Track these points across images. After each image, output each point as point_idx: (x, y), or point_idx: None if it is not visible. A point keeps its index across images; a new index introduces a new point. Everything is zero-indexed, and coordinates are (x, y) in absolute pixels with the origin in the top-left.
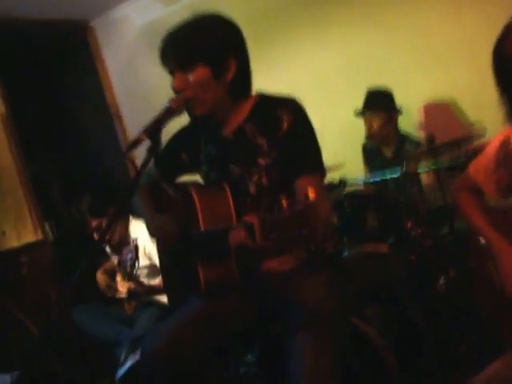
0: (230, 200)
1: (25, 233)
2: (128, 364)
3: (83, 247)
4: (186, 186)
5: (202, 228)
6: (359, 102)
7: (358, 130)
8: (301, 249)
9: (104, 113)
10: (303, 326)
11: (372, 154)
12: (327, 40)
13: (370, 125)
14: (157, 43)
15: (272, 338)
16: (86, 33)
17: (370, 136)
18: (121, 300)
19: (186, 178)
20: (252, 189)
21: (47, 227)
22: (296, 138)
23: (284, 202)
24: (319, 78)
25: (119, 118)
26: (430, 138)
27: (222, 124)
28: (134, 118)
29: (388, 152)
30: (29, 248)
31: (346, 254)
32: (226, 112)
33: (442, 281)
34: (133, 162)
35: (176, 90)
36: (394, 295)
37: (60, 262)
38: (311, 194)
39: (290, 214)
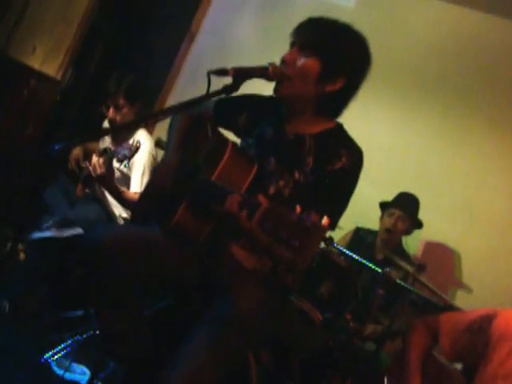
0: (250, 179)
1: (49, 64)
2: (47, 234)
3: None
4: (225, 138)
5: (213, 178)
6: (381, 189)
7: (363, 208)
8: (268, 260)
9: (182, 31)
10: (221, 320)
11: (364, 244)
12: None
13: (395, 222)
14: (266, 9)
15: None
16: None
17: (388, 231)
18: (78, 178)
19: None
20: (271, 189)
21: (69, 73)
22: (338, 182)
23: (298, 208)
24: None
25: (192, 38)
26: (420, 268)
27: (292, 121)
28: (201, 51)
29: (379, 255)
30: (43, 77)
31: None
32: (302, 114)
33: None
34: (209, 83)
35: (283, 61)
36: (294, 360)
37: (57, 107)
38: (324, 221)
39: (297, 220)
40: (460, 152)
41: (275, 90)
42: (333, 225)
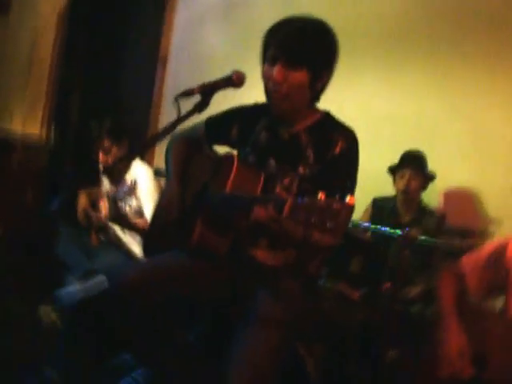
0: (261, 186)
1: (30, 125)
2: (71, 289)
3: (80, 163)
4: (229, 153)
5: (226, 191)
6: (384, 155)
7: (373, 179)
8: (292, 251)
9: (153, 53)
10: (260, 323)
11: (385, 212)
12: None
13: (408, 182)
14: (228, 16)
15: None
16: None
17: (404, 193)
18: (91, 229)
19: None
20: (279, 190)
21: (52, 132)
22: (342, 165)
23: (321, 195)
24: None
25: (164, 63)
26: (441, 219)
27: (284, 121)
28: (177, 70)
29: (406, 217)
30: (29, 147)
31: (320, 282)
32: (295, 113)
33: (392, 352)
34: (179, 109)
35: (275, 81)
36: (345, 343)
37: (51, 170)
38: (350, 200)
39: (326, 205)
40: (458, 94)
41: (274, 107)
42: None
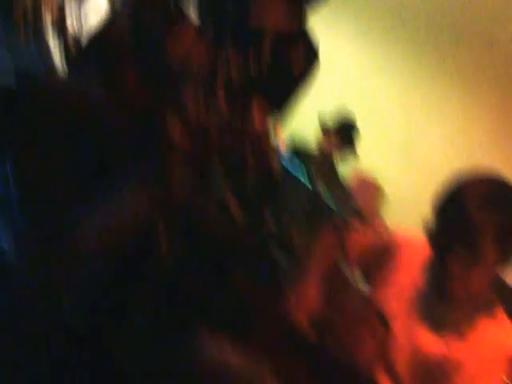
0: (208, 68)
1: None
2: None
3: None
4: (188, 16)
5: (172, 57)
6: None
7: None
8: (202, 144)
9: None
10: (135, 186)
11: (302, 157)
12: None
13: (327, 143)
14: None
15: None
16: None
17: (319, 149)
18: (23, 25)
19: None
20: (222, 78)
21: None
22: (292, 86)
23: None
24: None
25: None
26: (349, 191)
27: (258, 10)
28: None
29: (316, 176)
30: None
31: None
32: (272, 4)
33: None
34: None
35: None
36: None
37: None
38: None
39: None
40: (409, 90)
41: None
42: (279, 113)
